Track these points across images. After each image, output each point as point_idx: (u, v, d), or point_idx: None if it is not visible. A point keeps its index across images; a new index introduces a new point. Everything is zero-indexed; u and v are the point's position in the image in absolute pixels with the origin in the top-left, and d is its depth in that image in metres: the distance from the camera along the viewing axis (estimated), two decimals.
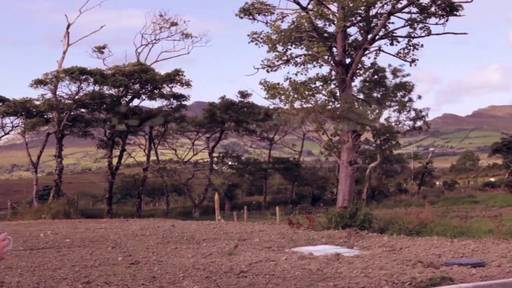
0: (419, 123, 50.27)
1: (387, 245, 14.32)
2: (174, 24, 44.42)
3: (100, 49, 42.63)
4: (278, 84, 25.88)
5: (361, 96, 32.61)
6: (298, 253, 13.30)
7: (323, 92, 25.98)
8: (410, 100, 47.20)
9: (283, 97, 25.34)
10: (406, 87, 41.41)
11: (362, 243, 15.09)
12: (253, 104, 46.08)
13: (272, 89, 25.55)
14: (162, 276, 10.03)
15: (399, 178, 71.55)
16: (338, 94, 26.03)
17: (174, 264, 11.52)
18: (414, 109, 48.86)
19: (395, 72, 44.08)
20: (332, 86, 26.80)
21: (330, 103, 26.06)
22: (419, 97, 49.36)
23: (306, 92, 25.03)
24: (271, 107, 32.87)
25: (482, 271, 9.48)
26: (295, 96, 25.17)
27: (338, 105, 25.12)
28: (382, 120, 46.26)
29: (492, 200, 47.18)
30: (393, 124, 47.61)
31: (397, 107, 43.34)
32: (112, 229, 21.90)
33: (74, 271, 10.97)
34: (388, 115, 47.61)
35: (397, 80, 43.99)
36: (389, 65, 43.65)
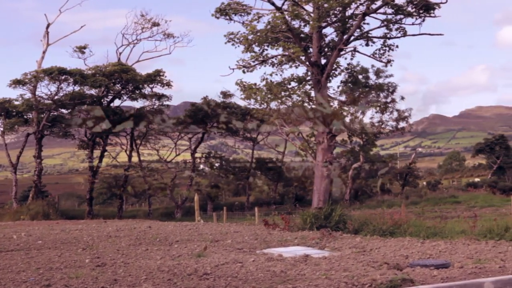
0: (402, 124, 50.40)
1: (358, 246, 14.31)
2: (155, 24, 44.27)
3: (81, 49, 42.35)
4: (255, 84, 25.85)
5: (343, 97, 32.67)
6: (268, 254, 13.25)
7: (298, 92, 25.92)
8: (393, 101, 47.30)
9: (258, 98, 25.30)
10: (384, 88, 41.43)
11: (334, 244, 15.06)
12: (235, 104, 46.05)
13: (248, 90, 25.50)
14: (124, 279, 9.93)
15: (384, 178, 71.72)
16: (313, 94, 26.09)
17: (140, 266, 11.41)
18: (397, 110, 48.95)
19: (378, 73, 44.16)
20: (308, 86, 26.80)
21: (305, 104, 26.06)
22: (402, 98, 49.47)
23: (282, 93, 25.00)
24: (249, 107, 32.78)
25: (444, 273, 9.47)
26: (269, 96, 25.13)
27: (313, 106, 25.19)
28: (366, 120, 46.39)
29: (473, 201, 47.47)
30: (376, 124, 47.73)
31: (379, 108, 43.40)
32: (88, 231, 21.72)
33: (38, 274, 10.83)
34: (372, 115, 47.68)
35: (380, 81, 44.10)
36: (372, 66, 43.78)
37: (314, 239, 16.06)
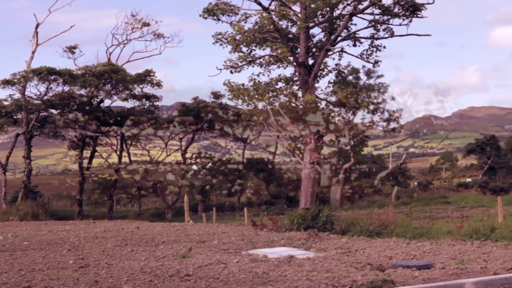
0: (393, 125, 50.41)
1: (344, 247, 14.30)
2: (146, 24, 44.14)
3: (71, 49, 42.19)
4: (243, 85, 25.83)
5: (332, 98, 32.67)
6: (253, 255, 13.22)
7: (285, 92, 25.91)
8: (384, 101, 47.32)
9: (246, 98, 25.29)
10: (375, 88, 41.48)
11: (320, 245, 15.05)
12: (226, 104, 45.96)
13: (235, 90, 25.50)
14: (105, 280, 9.87)
15: (376, 178, 71.81)
16: (300, 95, 26.11)
17: (123, 268, 11.36)
18: (388, 111, 48.96)
19: (369, 73, 44.19)
20: (295, 87, 26.82)
21: (293, 104, 26.03)
22: (393, 98, 49.51)
23: (270, 93, 25.01)
24: (239, 107, 32.76)
25: (426, 274, 9.46)
26: (257, 97, 25.15)
27: (301, 106, 25.20)
28: (357, 121, 46.40)
29: (463, 201, 47.61)
30: (367, 125, 47.73)
31: (367, 108, 43.39)
32: (75, 232, 21.65)
33: (20, 275, 10.76)
34: (363, 116, 47.68)
35: (371, 81, 44.12)
36: (363, 66, 43.78)
37: (301, 239, 16.05)
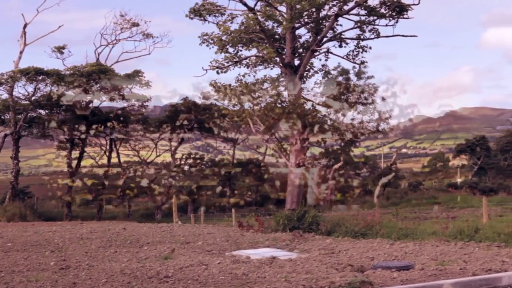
0: (383, 125, 50.39)
1: (328, 248, 14.28)
2: (135, 24, 44.00)
3: (60, 49, 42.01)
4: (229, 85, 25.80)
5: (318, 98, 32.69)
6: (236, 256, 13.20)
7: (271, 92, 25.90)
8: (374, 101, 47.31)
9: (232, 99, 25.29)
10: (365, 89, 41.47)
11: (304, 246, 15.03)
12: (215, 105, 45.77)
13: (222, 90, 25.50)
14: (83, 282, 9.82)
15: (367, 179, 71.79)
16: (286, 95, 26.12)
17: (104, 269, 11.29)
18: (378, 111, 48.94)
19: (359, 74, 44.18)
20: (282, 88, 26.80)
21: (278, 105, 26.03)
22: (383, 99, 49.50)
23: (257, 94, 25.01)
24: (226, 107, 32.70)
25: (405, 275, 9.45)
26: (243, 97, 25.14)
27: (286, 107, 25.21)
28: (347, 121, 46.34)
29: (453, 202, 47.72)
30: (356, 126, 47.71)
31: (356, 108, 43.37)
32: (61, 233, 21.54)
33: None
34: (352, 116, 47.64)
35: (361, 82, 44.12)
36: (353, 67, 43.77)
37: (285, 240, 16.02)
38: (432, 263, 10.79)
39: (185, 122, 43.75)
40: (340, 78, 41.11)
